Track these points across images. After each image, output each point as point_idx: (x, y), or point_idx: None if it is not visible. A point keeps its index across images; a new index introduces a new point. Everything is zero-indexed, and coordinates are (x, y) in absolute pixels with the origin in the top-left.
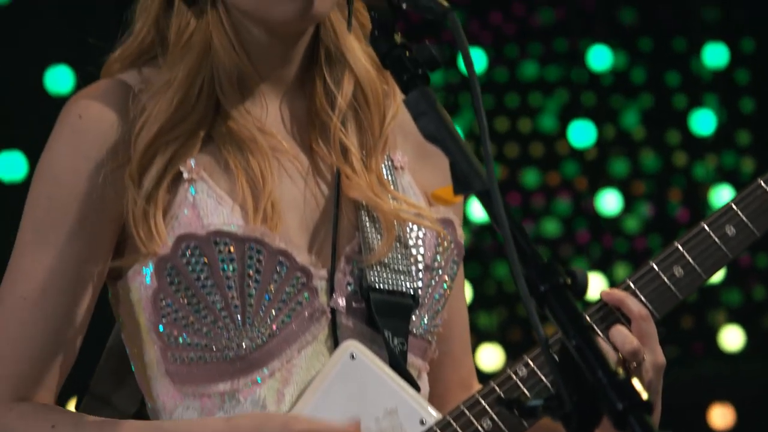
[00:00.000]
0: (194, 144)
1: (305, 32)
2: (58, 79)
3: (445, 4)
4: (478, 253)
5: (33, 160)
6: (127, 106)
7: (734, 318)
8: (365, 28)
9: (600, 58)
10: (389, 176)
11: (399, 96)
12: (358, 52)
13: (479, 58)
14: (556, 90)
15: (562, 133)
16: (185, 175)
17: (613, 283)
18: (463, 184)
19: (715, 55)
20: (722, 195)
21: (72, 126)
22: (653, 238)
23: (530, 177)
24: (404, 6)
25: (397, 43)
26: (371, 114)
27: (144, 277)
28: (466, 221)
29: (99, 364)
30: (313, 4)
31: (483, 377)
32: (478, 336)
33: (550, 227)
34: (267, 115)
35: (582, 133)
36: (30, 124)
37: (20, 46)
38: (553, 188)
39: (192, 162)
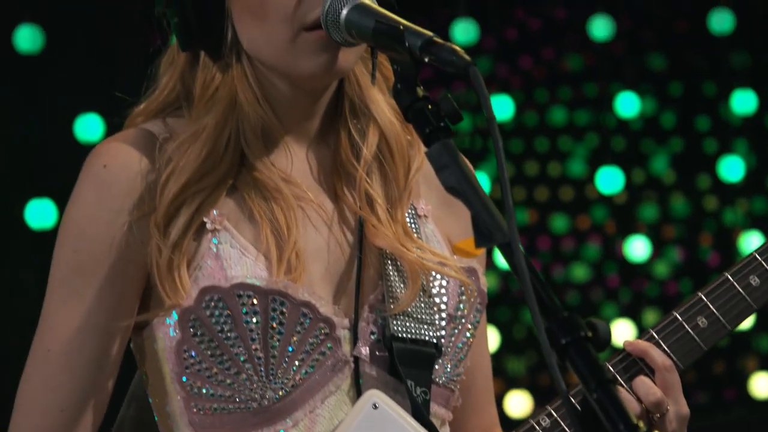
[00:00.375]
0: (220, 194)
1: (329, 86)
2: (88, 127)
3: (467, 57)
4: (507, 297)
5: (62, 207)
6: (152, 156)
7: (765, 365)
8: (389, 80)
9: (628, 104)
10: (413, 224)
11: (423, 147)
12: (383, 104)
13: (507, 104)
14: (585, 134)
15: (591, 178)
16: (208, 225)
17: (642, 329)
18: (484, 237)
19: (744, 101)
20: (752, 241)
21: (97, 176)
22: (684, 282)
23: (560, 221)
24: (426, 59)
25: (419, 96)
26: (396, 166)
27: (168, 328)
28: (494, 266)
29: (121, 412)
30: (338, 59)
31: (511, 424)
32: (507, 382)
33: (580, 272)
34: (292, 165)
35: (610, 180)
36: (60, 171)
37: (51, 95)
38: (582, 232)
39: (215, 212)
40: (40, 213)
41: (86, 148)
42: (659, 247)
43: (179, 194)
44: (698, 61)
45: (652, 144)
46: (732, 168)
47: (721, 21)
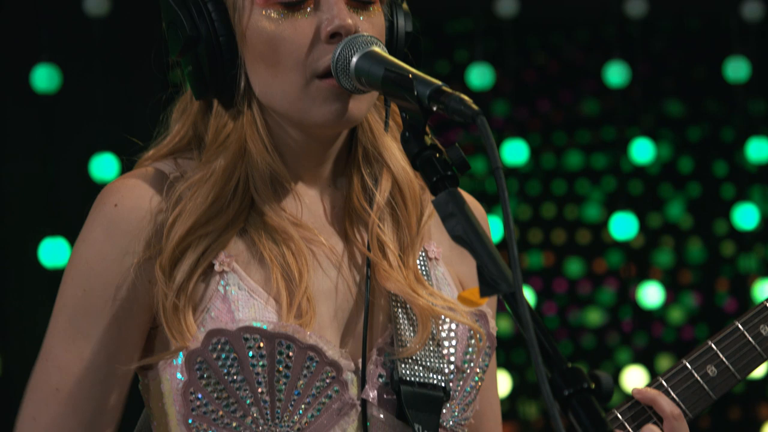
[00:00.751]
0: (227, 238)
1: (341, 133)
2: (104, 166)
3: (475, 107)
4: (521, 340)
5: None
6: (162, 196)
7: None
8: (402, 127)
9: (644, 150)
10: (423, 267)
11: None
12: (396, 151)
13: (522, 149)
14: (602, 178)
15: (606, 222)
16: (216, 267)
17: (655, 375)
18: (489, 287)
19: (760, 149)
20: (767, 288)
21: (107, 215)
22: (700, 328)
23: (575, 265)
24: (435, 108)
25: (427, 145)
26: (408, 212)
27: (175, 370)
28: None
29: None
30: (349, 107)
31: None
32: (521, 425)
33: (595, 316)
34: (302, 210)
35: (624, 225)
36: (74, 210)
37: (67, 133)
38: (598, 276)
39: (224, 254)
40: (53, 251)
41: (101, 187)
42: (675, 292)
43: (185, 237)
44: (715, 108)
45: (669, 189)
46: (747, 216)
47: (737, 69)
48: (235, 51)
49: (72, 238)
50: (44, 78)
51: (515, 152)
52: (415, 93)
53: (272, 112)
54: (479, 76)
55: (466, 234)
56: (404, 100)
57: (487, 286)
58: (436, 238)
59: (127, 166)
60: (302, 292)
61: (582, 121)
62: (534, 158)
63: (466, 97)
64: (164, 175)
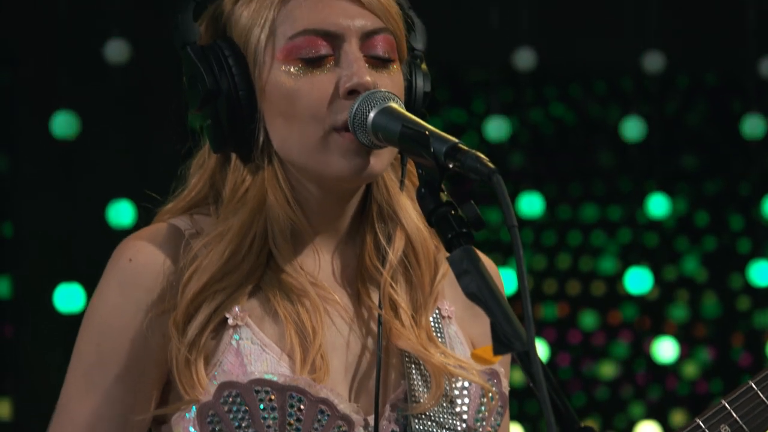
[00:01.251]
0: (242, 294)
1: (358, 188)
2: (120, 213)
3: (491, 165)
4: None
5: (91, 292)
6: (177, 252)
7: None
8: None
9: (658, 205)
10: (436, 325)
11: None
12: (410, 210)
13: (538, 200)
14: (618, 230)
15: (621, 275)
16: (230, 321)
17: (669, 430)
18: (503, 345)
19: None
20: None
21: (122, 270)
22: (715, 383)
23: (590, 317)
24: (451, 165)
25: (442, 201)
26: (422, 272)
27: (188, 423)
28: None
29: None
30: (369, 163)
31: None
32: None
33: (609, 369)
34: (320, 267)
35: (639, 279)
36: (90, 256)
37: (84, 180)
38: (612, 329)
39: (237, 308)
40: (69, 297)
41: (117, 234)
42: (689, 346)
43: (199, 293)
44: (731, 163)
45: (684, 242)
46: (763, 271)
47: (754, 126)
48: (255, 105)
49: (88, 284)
50: (63, 124)
51: (531, 203)
52: (432, 150)
53: (291, 166)
54: (496, 127)
55: (481, 292)
56: (420, 157)
57: (500, 344)
58: (449, 297)
59: (143, 215)
60: (316, 348)
61: (598, 173)
62: (550, 209)
63: (482, 155)
64: (180, 231)
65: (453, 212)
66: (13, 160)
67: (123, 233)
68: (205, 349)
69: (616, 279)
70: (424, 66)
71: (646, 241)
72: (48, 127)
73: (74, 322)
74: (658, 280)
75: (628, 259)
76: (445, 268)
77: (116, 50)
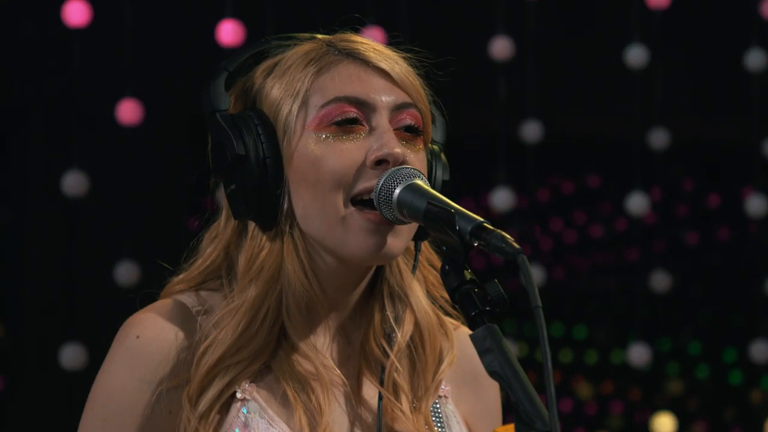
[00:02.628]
0: (254, 368)
1: (373, 266)
2: (126, 274)
3: (516, 245)
4: None
5: (95, 352)
6: (185, 329)
7: None
8: (427, 280)
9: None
10: (434, 404)
11: (455, 344)
12: (420, 294)
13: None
14: (613, 300)
15: (617, 344)
16: (238, 395)
17: None
18: (525, 425)
19: None
20: None
21: (129, 347)
22: None
23: (583, 387)
24: (476, 244)
25: (466, 279)
26: (426, 358)
27: None
28: None
29: None
30: (387, 243)
31: None
32: None
33: None
34: (330, 344)
35: (637, 354)
36: (95, 316)
37: (91, 240)
38: (604, 397)
39: (246, 383)
40: (73, 357)
41: (123, 294)
42: (684, 421)
43: (214, 367)
44: (731, 239)
45: (678, 315)
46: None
47: (756, 206)
48: (281, 173)
49: (92, 344)
50: (74, 184)
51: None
52: (457, 228)
53: (310, 239)
54: (502, 200)
55: (504, 370)
56: (445, 234)
57: (523, 425)
58: (445, 378)
59: (151, 272)
60: (323, 428)
61: (594, 242)
62: (547, 277)
63: (507, 235)
64: (186, 308)
65: (476, 290)
66: (18, 215)
67: (128, 292)
68: (214, 421)
69: (611, 348)
70: (443, 157)
71: (641, 313)
72: (59, 187)
73: (79, 381)
74: (655, 352)
75: (623, 330)
76: (450, 358)
77: (129, 111)
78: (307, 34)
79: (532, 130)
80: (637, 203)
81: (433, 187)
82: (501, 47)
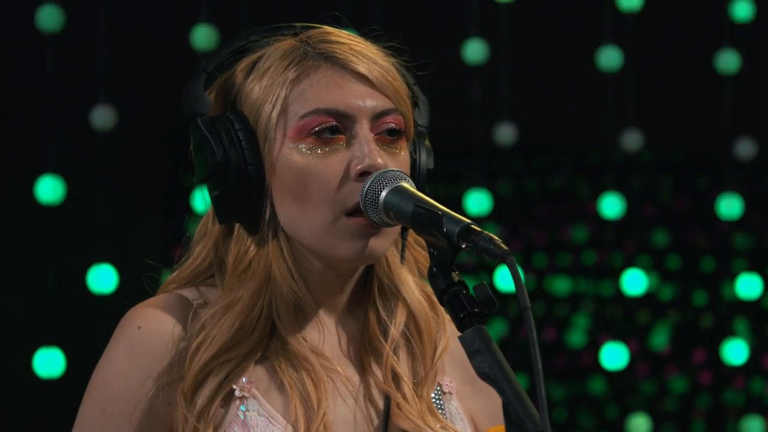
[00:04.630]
0: (248, 365)
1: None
2: (101, 278)
3: (504, 246)
4: None
5: (71, 357)
6: (185, 322)
7: None
8: (418, 262)
9: (634, 281)
10: (438, 400)
11: (449, 327)
12: (411, 284)
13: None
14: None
15: (589, 348)
16: (237, 393)
17: None
18: (516, 426)
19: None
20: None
21: (130, 338)
22: None
23: (557, 390)
24: (464, 246)
25: (454, 281)
26: (423, 345)
27: None
28: None
29: None
30: (372, 244)
31: None
32: None
33: None
34: (324, 340)
35: (613, 356)
36: (70, 321)
37: (66, 245)
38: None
39: (244, 379)
40: (48, 362)
41: (98, 298)
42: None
43: (208, 363)
44: (701, 241)
45: (648, 317)
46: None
47: (730, 206)
48: (263, 180)
49: (67, 349)
50: (48, 189)
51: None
52: (445, 230)
53: (296, 242)
54: (476, 203)
55: (493, 371)
56: (432, 236)
57: (513, 425)
58: (449, 372)
59: (127, 280)
60: (320, 419)
61: (565, 245)
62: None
63: (495, 237)
64: (188, 301)
65: (464, 292)
66: None
67: (103, 298)
68: (213, 419)
69: (582, 353)
70: (427, 142)
71: (611, 314)
72: (33, 193)
73: (53, 387)
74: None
75: (595, 334)
76: (444, 342)
77: (102, 116)
78: (284, 24)
79: (505, 133)
80: (610, 205)
81: (417, 176)
82: (475, 50)
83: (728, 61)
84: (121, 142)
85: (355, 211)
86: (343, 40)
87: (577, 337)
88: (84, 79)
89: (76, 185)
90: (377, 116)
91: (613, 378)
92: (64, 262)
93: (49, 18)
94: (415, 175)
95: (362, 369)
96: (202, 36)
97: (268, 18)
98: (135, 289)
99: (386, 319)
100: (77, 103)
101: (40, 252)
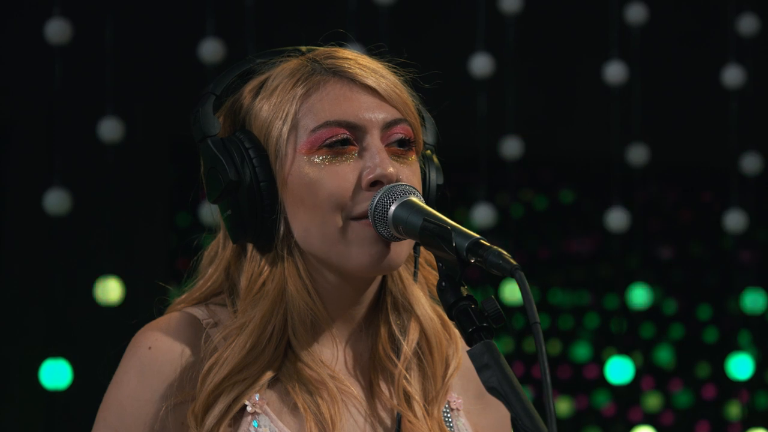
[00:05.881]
0: (260, 384)
1: (376, 278)
2: (108, 290)
3: (513, 261)
4: None
5: (78, 368)
6: (196, 342)
7: None
8: (429, 282)
9: (638, 296)
10: (446, 417)
11: (461, 347)
12: (424, 302)
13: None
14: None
15: (594, 360)
16: (249, 408)
17: None
18: None
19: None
20: None
21: (141, 357)
22: None
23: (562, 404)
24: (473, 260)
25: (463, 296)
26: (434, 363)
27: None
28: None
29: None
30: (388, 253)
31: None
32: None
33: None
34: (338, 358)
35: (618, 370)
36: (77, 332)
37: (74, 257)
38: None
39: (257, 396)
40: (55, 373)
41: (105, 310)
42: None
43: (219, 385)
44: (703, 254)
45: (653, 330)
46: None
47: (735, 220)
48: (275, 196)
49: (74, 360)
50: (55, 201)
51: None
52: (454, 245)
53: (311, 257)
54: (483, 216)
55: (501, 386)
56: (441, 251)
57: None
58: (457, 389)
59: (134, 290)
60: None
61: (571, 259)
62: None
63: (504, 251)
64: (198, 321)
65: (473, 306)
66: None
67: (109, 310)
68: None
69: (586, 365)
70: (436, 159)
71: (616, 327)
72: (41, 205)
73: (60, 398)
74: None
75: (600, 345)
76: (456, 361)
77: (109, 129)
78: (290, 47)
79: (511, 146)
80: (615, 219)
81: (428, 193)
82: (481, 64)
83: (734, 75)
84: (128, 154)
85: (360, 216)
86: (349, 56)
87: (582, 351)
88: (91, 92)
89: (83, 197)
90: (387, 126)
91: (618, 392)
92: (71, 274)
93: (57, 31)
94: (425, 190)
95: (371, 387)
96: (209, 49)
97: (273, 31)
98: (141, 301)
99: (399, 335)
100: (84, 116)
101: (47, 264)
